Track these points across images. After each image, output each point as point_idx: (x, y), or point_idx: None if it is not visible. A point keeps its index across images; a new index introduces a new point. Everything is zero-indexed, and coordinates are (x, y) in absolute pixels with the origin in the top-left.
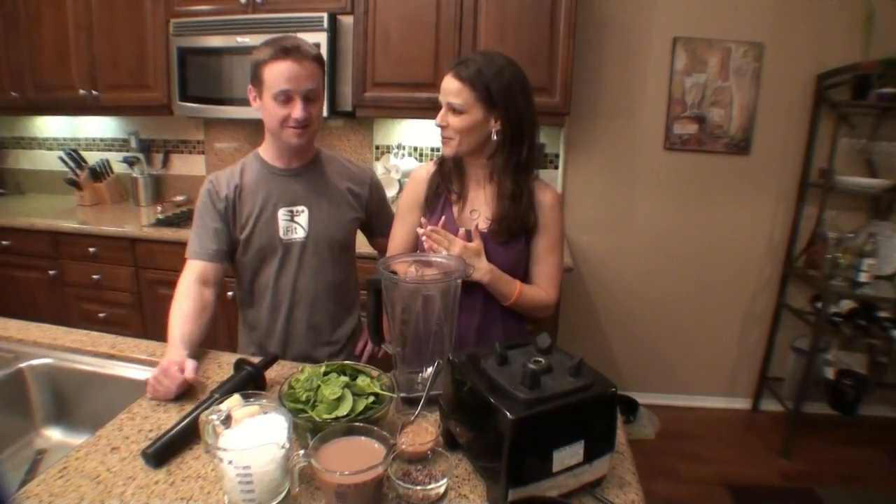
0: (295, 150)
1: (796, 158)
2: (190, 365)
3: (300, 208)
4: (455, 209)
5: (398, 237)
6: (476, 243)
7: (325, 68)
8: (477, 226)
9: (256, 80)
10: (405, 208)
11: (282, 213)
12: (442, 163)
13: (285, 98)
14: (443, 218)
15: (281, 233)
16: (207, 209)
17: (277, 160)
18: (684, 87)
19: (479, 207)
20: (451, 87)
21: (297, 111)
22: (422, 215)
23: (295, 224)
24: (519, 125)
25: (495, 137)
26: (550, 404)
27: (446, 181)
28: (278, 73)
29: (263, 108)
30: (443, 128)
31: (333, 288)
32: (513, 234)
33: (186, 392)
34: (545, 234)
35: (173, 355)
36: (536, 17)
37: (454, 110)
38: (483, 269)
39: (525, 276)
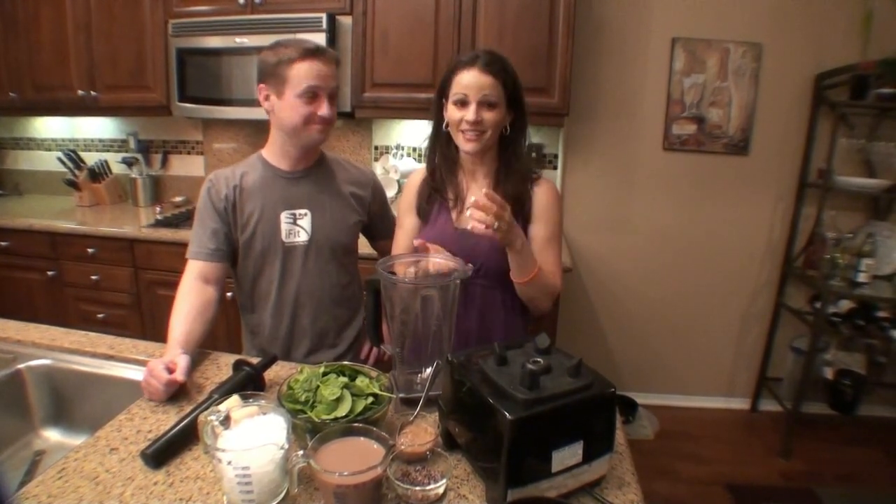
0: (310, 148)
1: (795, 159)
2: (182, 363)
3: (303, 211)
4: (453, 213)
5: (399, 240)
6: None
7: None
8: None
9: (277, 78)
10: (402, 212)
11: (284, 217)
12: (433, 173)
13: (312, 95)
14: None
15: (283, 236)
16: (207, 209)
17: (283, 162)
18: (683, 87)
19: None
20: (485, 82)
21: (325, 109)
22: (419, 218)
23: (298, 227)
24: (525, 118)
25: (507, 132)
26: (549, 405)
27: (440, 191)
28: (307, 72)
29: (284, 106)
30: (475, 123)
31: (337, 291)
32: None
33: (184, 392)
34: (542, 224)
35: (166, 355)
36: (535, 17)
37: (489, 105)
38: (518, 234)
39: None
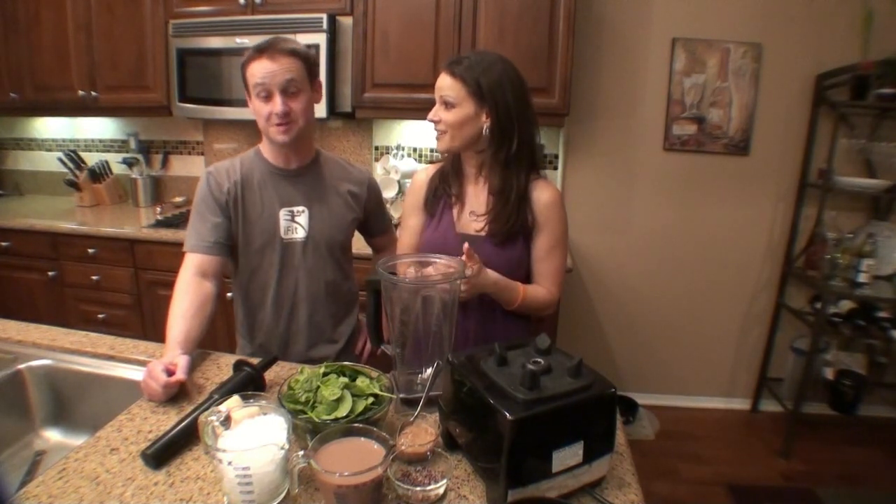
0: (286, 147)
1: (795, 159)
2: (181, 363)
3: (300, 209)
4: (454, 211)
5: (404, 240)
6: (474, 266)
7: (309, 63)
8: (467, 248)
9: (244, 82)
10: (407, 212)
11: (283, 213)
12: (443, 165)
13: (265, 94)
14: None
15: (282, 232)
16: (206, 202)
17: (277, 160)
18: (683, 87)
19: (477, 209)
20: (444, 83)
21: (277, 105)
22: (424, 219)
23: (295, 224)
24: (508, 119)
25: (486, 133)
26: (550, 405)
27: (444, 183)
28: (255, 72)
29: (253, 109)
30: (435, 123)
31: (333, 287)
32: (508, 234)
33: (184, 392)
34: (545, 233)
35: (165, 356)
36: (535, 17)
37: (447, 104)
38: (491, 279)
39: (526, 277)
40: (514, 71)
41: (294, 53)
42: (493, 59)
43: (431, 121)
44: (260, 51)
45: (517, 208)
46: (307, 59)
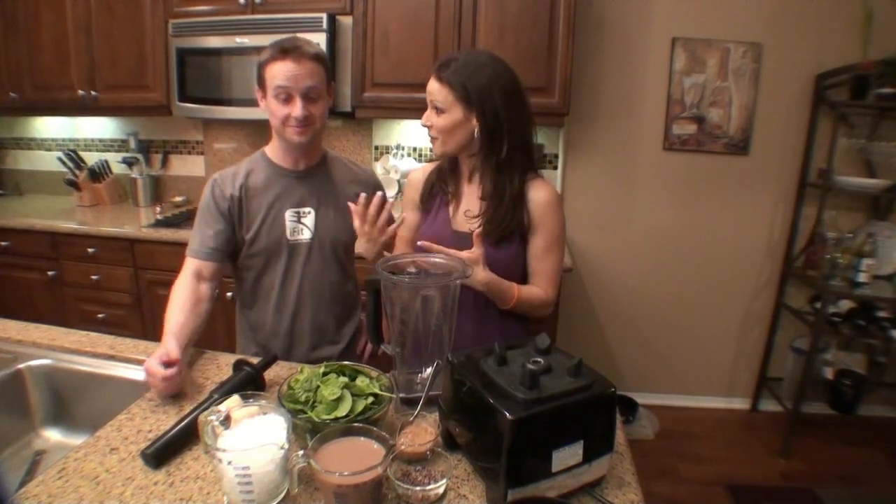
0: (299, 148)
1: (795, 158)
2: (173, 349)
3: (307, 210)
4: (450, 208)
5: (400, 237)
6: (474, 253)
7: (327, 67)
8: (478, 233)
9: (260, 81)
10: (404, 209)
11: (289, 214)
12: (441, 163)
13: (285, 97)
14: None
15: (287, 233)
16: (210, 210)
17: (284, 160)
18: (683, 87)
19: (472, 207)
20: (433, 88)
21: (297, 109)
22: (420, 215)
23: (301, 225)
24: (497, 123)
25: (477, 136)
26: (549, 405)
27: (441, 181)
28: (277, 73)
29: (268, 108)
30: (428, 128)
31: (337, 288)
32: (502, 235)
33: (184, 392)
34: (541, 233)
35: (160, 349)
36: (535, 17)
37: (437, 109)
38: (480, 279)
39: (523, 276)
40: (506, 71)
41: (317, 58)
42: (483, 60)
43: (424, 125)
44: (284, 52)
45: (512, 209)
46: (327, 64)
